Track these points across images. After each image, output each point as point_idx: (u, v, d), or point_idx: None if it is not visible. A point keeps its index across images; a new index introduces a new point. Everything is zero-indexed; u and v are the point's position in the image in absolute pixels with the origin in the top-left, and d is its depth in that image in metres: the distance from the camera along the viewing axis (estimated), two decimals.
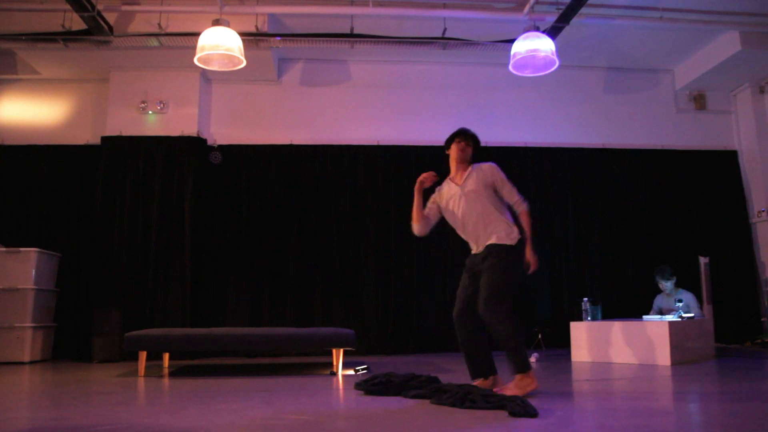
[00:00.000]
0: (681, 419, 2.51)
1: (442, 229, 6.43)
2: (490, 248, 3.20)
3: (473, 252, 3.34)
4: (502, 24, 5.89)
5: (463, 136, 3.45)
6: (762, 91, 6.93)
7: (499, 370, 3.26)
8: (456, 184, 3.39)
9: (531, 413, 2.51)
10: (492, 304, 3.08)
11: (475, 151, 3.46)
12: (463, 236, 3.41)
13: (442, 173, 3.52)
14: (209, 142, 6.54)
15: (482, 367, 3.26)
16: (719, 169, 7.01)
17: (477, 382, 3.22)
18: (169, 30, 5.60)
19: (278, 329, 4.95)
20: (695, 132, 7.12)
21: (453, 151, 3.44)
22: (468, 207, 3.30)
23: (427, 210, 3.47)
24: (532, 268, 3.23)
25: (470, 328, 3.24)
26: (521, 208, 3.34)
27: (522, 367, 3.07)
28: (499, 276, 3.12)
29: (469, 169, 3.40)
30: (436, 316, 6.36)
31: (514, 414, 2.52)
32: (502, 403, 2.69)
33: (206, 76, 6.61)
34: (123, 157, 6.19)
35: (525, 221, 3.30)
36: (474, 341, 3.25)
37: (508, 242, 3.19)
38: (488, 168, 3.38)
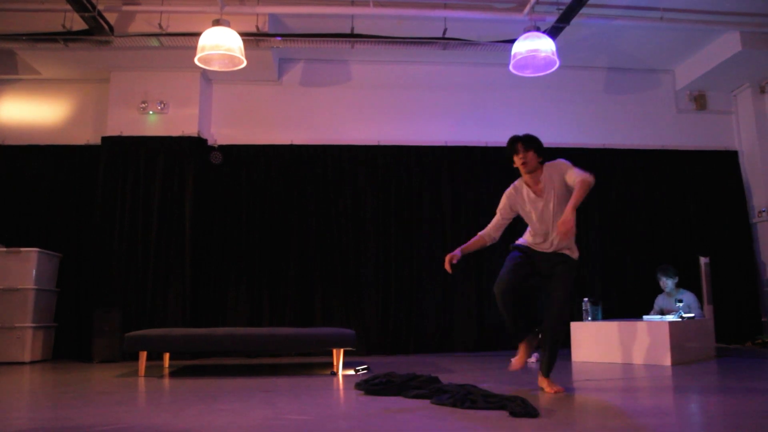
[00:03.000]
0: (681, 419, 2.51)
1: (442, 229, 6.49)
2: (566, 258, 3.32)
3: (539, 243, 3.35)
4: (502, 24, 5.89)
5: (517, 146, 3.32)
6: (762, 91, 6.93)
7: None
8: (535, 193, 3.35)
9: (531, 413, 2.51)
10: (561, 323, 3.33)
11: (539, 150, 3.35)
12: (532, 229, 3.40)
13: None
14: (210, 143, 6.54)
15: (526, 327, 3.41)
16: (719, 169, 7.00)
17: (524, 344, 3.42)
18: (170, 30, 5.60)
19: (278, 329, 4.95)
20: (695, 132, 7.12)
21: (517, 165, 3.37)
22: (547, 212, 3.32)
23: (502, 211, 3.48)
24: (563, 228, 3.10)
25: (515, 301, 3.32)
26: (585, 176, 3.22)
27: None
28: (568, 293, 3.30)
29: (542, 172, 3.36)
30: (436, 316, 6.36)
31: (514, 414, 2.51)
32: (502, 403, 2.69)
33: (207, 77, 6.61)
34: (123, 157, 6.19)
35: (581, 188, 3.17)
36: (518, 308, 3.35)
37: (576, 256, 3.36)
38: (559, 165, 3.35)
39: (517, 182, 3.48)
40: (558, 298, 3.27)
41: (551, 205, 3.30)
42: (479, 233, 3.54)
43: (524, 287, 3.36)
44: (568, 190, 3.27)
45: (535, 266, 3.37)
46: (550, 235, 3.32)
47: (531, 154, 3.32)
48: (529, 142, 3.34)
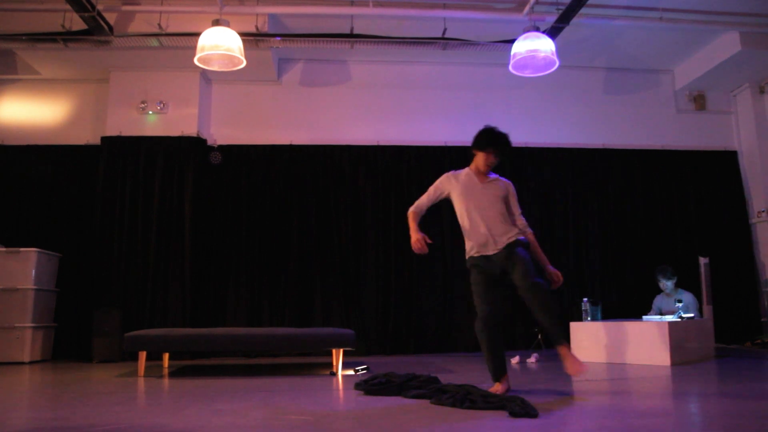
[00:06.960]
0: (681, 419, 2.51)
1: (442, 228, 6.49)
2: (511, 244, 3.29)
3: (488, 253, 3.31)
4: (502, 24, 5.89)
5: (499, 150, 3.42)
6: (762, 92, 6.94)
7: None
8: (479, 180, 3.44)
9: (531, 413, 2.52)
10: (547, 294, 3.17)
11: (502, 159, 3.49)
12: (471, 233, 3.35)
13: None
14: (209, 143, 6.54)
15: (503, 368, 3.27)
16: (719, 169, 7.01)
17: (497, 386, 3.19)
18: (169, 30, 5.60)
19: (278, 329, 4.95)
20: (695, 132, 7.13)
21: (482, 159, 3.43)
22: (488, 203, 3.37)
23: (431, 197, 3.51)
24: (556, 284, 3.40)
25: (498, 330, 3.26)
26: (528, 230, 3.44)
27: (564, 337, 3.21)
28: (533, 269, 3.23)
29: (494, 176, 3.50)
30: (436, 316, 6.36)
31: (514, 414, 2.52)
32: (502, 403, 2.69)
33: (206, 77, 6.61)
34: (123, 157, 6.19)
35: (535, 242, 3.42)
36: (500, 343, 3.28)
37: (523, 237, 3.36)
38: (508, 184, 3.50)
39: (457, 171, 3.50)
40: (530, 282, 3.15)
41: (490, 197, 3.37)
42: (412, 211, 3.49)
43: (503, 313, 3.34)
44: (504, 207, 3.40)
45: (497, 274, 3.31)
46: (486, 232, 3.30)
47: (498, 161, 3.45)
48: (507, 151, 3.46)
